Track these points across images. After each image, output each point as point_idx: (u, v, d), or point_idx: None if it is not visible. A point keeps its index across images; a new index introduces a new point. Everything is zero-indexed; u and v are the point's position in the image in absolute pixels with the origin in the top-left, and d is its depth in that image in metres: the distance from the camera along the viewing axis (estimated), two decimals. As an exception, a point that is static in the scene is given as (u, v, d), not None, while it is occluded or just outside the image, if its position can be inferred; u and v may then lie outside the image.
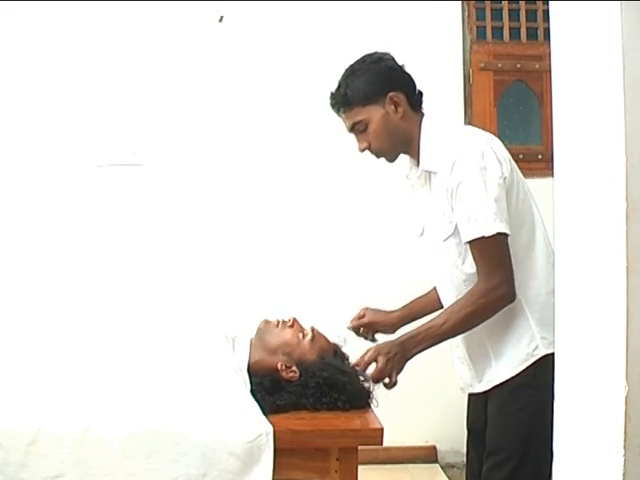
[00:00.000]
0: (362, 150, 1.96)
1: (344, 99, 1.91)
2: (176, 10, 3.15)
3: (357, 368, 1.90)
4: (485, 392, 1.93)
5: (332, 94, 1.94)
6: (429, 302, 2.10)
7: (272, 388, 1.86)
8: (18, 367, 1.89)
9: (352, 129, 1.94)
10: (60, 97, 3.13)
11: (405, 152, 1.97)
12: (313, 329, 1.99)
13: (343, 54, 3.12)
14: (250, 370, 1.90)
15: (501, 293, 1.82)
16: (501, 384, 1.88)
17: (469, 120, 3.27)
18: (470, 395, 2.05)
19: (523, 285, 1.85)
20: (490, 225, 1.78)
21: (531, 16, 3.36)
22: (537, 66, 3.30)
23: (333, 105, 1.94)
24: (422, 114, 1.96)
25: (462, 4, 3.29)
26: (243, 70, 3.18)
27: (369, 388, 1.92)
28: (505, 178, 1.82)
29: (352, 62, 1.97)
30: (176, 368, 1.86)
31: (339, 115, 1.95)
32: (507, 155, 1.89)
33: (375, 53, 1.98)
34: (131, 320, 2.98)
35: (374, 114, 1.90)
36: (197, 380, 1.80)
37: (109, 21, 3.14)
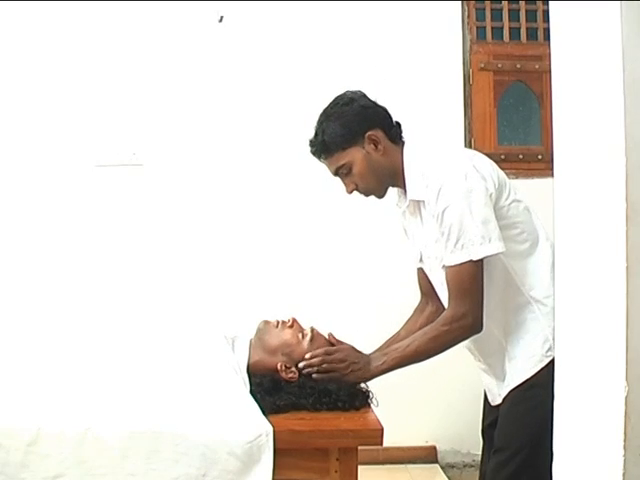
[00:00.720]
0: (350, 192, 1.97)
1: (323, 146, 1.91)
2: (176, 10, 3.15)
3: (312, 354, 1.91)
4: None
5: (311, 142, 1.94)
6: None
7: (272, 388, 1.86)
8: (18, 367, 1.89)
9: (336, 173, 1.95)
10: (60, 97, 3.13)
11: (393, 185, 1.98)
12: (313, 329, 1.99)
13: (343, 54, 3.16)
14: (250, 370, 1.90)
15: (464, 323, 1.83)
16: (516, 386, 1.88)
17: (469, 120, 3.27)
18: (486, 395, 2.06)
19: (531, 288, 1.86)
20: (478, 249, 1.79)
21: (531, 16, 3.35)
22: (537, 66, 3.30)
23: (313, 153, 1.94)
24: (403, 143, 1.96)
25: (462, 4, 3.29)
26: (243, 70, 3.18)
27: (368, 388, 1.92)
28: (491, 194, 1.83)
29: (325, 107, 1.95)
30: (176, 368, 1.87)
31: (321, 161, 1.95)
32: (492, 168, 1.89)
33: (346, 94, 1.96)
34: (131, 320, 2.98)
35: (355, 156, 1.90)
36: (197, 380, 1.80)
37: (109, 21, 3.13)
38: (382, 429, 1.72)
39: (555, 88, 1.18)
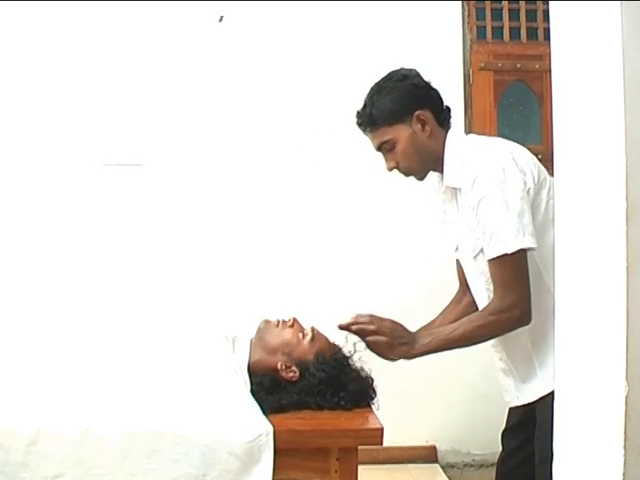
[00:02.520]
0: (390, 169, 1.95)
1: (370, 119, 1.89)
2: (176, 10, 3.15)
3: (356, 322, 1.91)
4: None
5: (358, 113, 1.92)
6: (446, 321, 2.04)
7: (272, 388, 1.86)
8: (18, 367, 1.89)
9: (379, 148, 1.93)
10: (61, 97, 3.13)
11: (434, 169, 1.96)
12: (313, 329, 1.99)
13: (344, 54, 3.15)
14: (250, 370, 1.90)
15: (512, 315, 1.83)
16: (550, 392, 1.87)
17: (469, 120, 3.27)
18: None
19: None
20: (512, 242, 1.78)
21: (531, 16, 3.35)
22: (537, 66, 3.30)
23: (360, 124, 1.93)
24: (449, 128, 1.95)
25: (462, 4, 3.29)
26: (243, 70, 3.18)
27: (369, 388, 1.92)
28: (530, 189, 1.82)
29: (378, 80, 1.94)
30: (176, 368, 1.87)
31: (365, 134, 1.93)
32: (532, 163, 1.89)
33: (401, 70, 1.95)
34: (131, 320, 2.98)
35: (401, 133, 1.89)
36: (197, 380, 1.80)
37: (109, 21, 3.13)
38: (382, 429, 1.72)
39: (555, 88, 1.18)
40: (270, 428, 1.64)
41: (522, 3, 3.35)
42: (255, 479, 1.61)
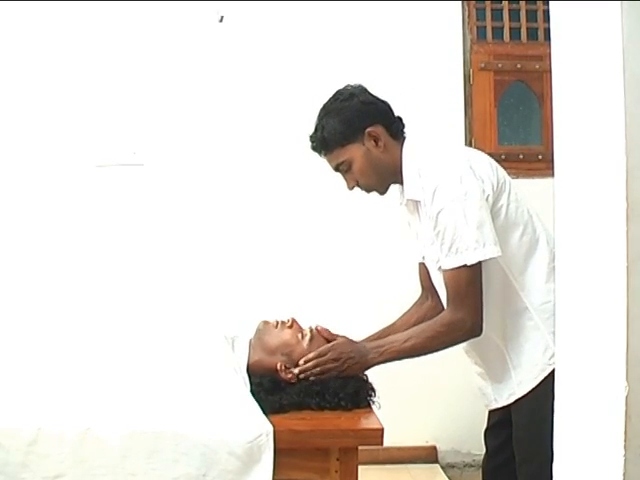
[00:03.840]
0: (351, 188, 1.95)
1: (322, 142, 1.89)
2: (176, 10, 3.15)
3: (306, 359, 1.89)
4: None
5: (310, 137, 1.92)
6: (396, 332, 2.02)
7: (272, 388, 1.86)
8: (18, 367, 1.89)
9: (337, 169, 1.93)
10: (61, 97, 3.13)
11: (394, 182, 1.95)
12: (312, 329, 1.99)
13: (344, 54, 3.16)
14: (249, 370, 1.90)
15: (462, 327, 1.82)
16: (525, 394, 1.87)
17: (469, 120, 3.27)
18: None
19: (530, 294, 1.84)
20: (472, 254, 1.77)
21: (531, 16, 3.36)
22: (537, 66, 3.30)
23: (313, 148, 1.92)
24: (404, 138, 1.94)
25: (462, 4, 3.29)
26: (243, 70, 3.18)
27: (369, 388, 1.92)
28: (489, 195, 1.81)
29: (325, 101, 1.93)
30: (176, 368, 1.87)
31: (321, 157, 1.93)
32: (490, 169, 1.86)
33: (346, 88, 1.93)
34: (131, 320, 2.98)
35: (355, 153, 1.88)
36: (197, 380, 1.80)
37: (109, 21, 3.14)
38: (382, 429, 1.72)
39: (555, 88, 1.17)
40: (270, 428, 1.63)
41: (522, 3, 3.35)
42: (255, 479, 1.61)
